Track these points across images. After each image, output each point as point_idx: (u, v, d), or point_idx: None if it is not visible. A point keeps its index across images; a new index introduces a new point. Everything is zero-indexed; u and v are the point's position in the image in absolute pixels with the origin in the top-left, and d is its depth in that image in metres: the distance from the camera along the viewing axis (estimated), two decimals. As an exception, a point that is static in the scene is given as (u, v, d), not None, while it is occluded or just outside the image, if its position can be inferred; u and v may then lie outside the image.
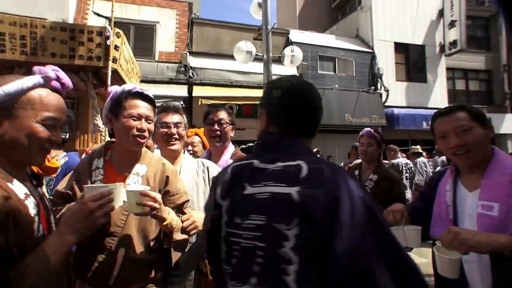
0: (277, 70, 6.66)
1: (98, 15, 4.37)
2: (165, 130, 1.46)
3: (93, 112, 3.43)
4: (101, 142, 3.42)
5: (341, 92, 9.91)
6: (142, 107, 1.17)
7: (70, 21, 7.87)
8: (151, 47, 8.41)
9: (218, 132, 1.75)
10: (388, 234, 0.63)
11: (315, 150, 6.84)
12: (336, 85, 9.91)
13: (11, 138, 0.72)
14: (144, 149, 1.24)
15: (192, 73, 8.23)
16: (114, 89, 1.20)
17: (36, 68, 0.81)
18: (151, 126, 1.20)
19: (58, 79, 0.82)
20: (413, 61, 11.42)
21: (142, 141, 1.16)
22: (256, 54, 5.35)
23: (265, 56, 5.12)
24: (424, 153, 5.49)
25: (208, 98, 7.24)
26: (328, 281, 0.61)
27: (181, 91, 7.62)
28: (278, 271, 0.64)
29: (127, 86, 1.21)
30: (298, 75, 9.05)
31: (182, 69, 8.21)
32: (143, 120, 1.16)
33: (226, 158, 1.76)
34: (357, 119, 9.70)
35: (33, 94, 0.76)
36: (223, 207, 0.77)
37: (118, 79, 3.64)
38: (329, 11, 15.65)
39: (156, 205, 0.98)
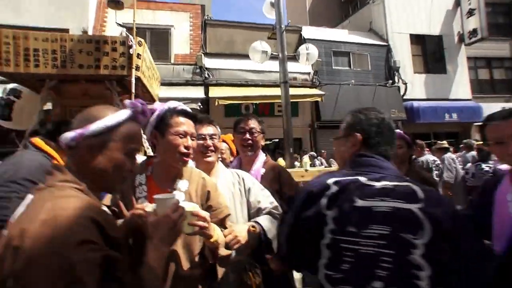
0: (292, 67, 6.65)
1: (121, 25, 4.50)
2: (201, 142, 1.44)
3: (119, 119, 3.56)
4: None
5: (357, 87, 9.74)
6: (187, 125, 1.18)
7: (90, 29, 8.19)
8: (167, 50, 8.59)
9: (250, 141, 1.74)
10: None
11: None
12: (352, 80, 9.75)
13: (101, 168, 0.77)
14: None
15: (208, 74, 8.35)
16: (158, 106, 1.20)
17: (127, 102, 0.86)
18: (195, 143, 1.22)
19: (143, 111, 0.87)
20: (430, 52, 11.09)
21: (188, 158, 1.18)
22: (271, 53, 5.37)
23: (280, 55, 5.13)
24: (451, 148, 5.19)
25: (224, 98, 7.34)
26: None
27: (197, 92, 7.76)
28: (408, 276, 0.73)
29: (171, 104, 1.22)
30: (313, 71, 9.00)
31: (198, 70, 8.35)
32: (188, 137, 1.16)
33: (258, 167, 1.77)
34: (375, 114, 9.57)
35: (124, 128, 0.80)
36: (328, 217, 0.84)
37: (141, 86, 3.76)
38: (339, 5, 15.40)
39: (206, 224, 0.99)
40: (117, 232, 0.72)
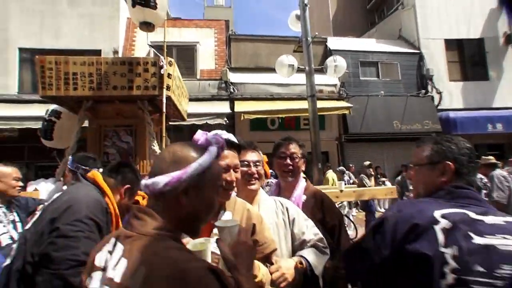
0: (319, 80, 6.52)
1: (151, 46, 4.64)
2: (245, 169, 1.37)
3: (150, 138, 3.61)
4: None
5: (386, 98, 9.37)
6: (231, 157, 1.14)
7: (120, 49, 8.62)
8: (193, 66, 8.82)
9: (291, 167, 1.66)
10: None
11: (367, 163, 6.47)
12: (382, 92, 9.39)
13: (196, 211, 0.73)
14: None
15: (233, 89, 8.43)
16: (198, 137, 1.15)
17: (211, 137, 0.81)
18: (238, 174, 1.18)
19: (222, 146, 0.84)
20: (469, 58, 10.31)
21: (231, 193, 1.14)
22: (298, 67, 5.30)
23: (307, 68, 5.05)
24: (499, 164, 4.53)
25: (250, 113, 7.34)
26: None
27: (223, 107, 7.84)
28: None
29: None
30: (340, 83, 8.80)
31: (223, 85, 8.46)
32: (231, 171, 1.13)
33: (299, 194, 1.67)
34: (407, 126, 9.06)
35: (215, 165, 0.77)
36: (447, 254, 0.79)
37: (171, 105, 3.81)
38: (364, 13, 15.11)
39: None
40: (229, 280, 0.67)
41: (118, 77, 3.30)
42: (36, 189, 3.34)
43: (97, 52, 8.41)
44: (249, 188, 1.41)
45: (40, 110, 4.03)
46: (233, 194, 1.49)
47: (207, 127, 7.83)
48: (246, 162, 1.40)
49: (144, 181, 0.71)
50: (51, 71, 3.25)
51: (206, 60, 8.92)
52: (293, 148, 1.69)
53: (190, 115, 5.34)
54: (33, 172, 9.41)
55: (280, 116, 7.91)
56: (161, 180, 0.68)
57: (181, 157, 0.73)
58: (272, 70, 7.65)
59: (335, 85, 8.86)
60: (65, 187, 2.17)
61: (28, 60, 8.56)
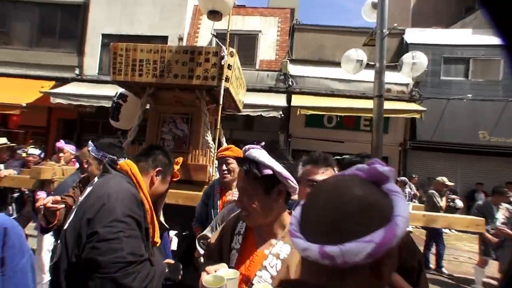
0: (388, 77, 5.82)
1: (214, 35, 4.60)
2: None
3: (204, 128, 3.59)
4: (209, 158, 3.56)
5: (473, 103, 7.86)
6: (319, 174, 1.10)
7: (185, 36, 8.92)
8: (253, 56, 8.72)
9: None
10: None
11: (444, 180, 5.55)
12: (469, 95, 7.90)
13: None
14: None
15: (292, 82, 8.12)
16: (366, 170, 0.90)
17: (389, 171, 0.53)
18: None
19: None
20: None
21: None
22: (367, 63, 4.76)
23: (377, 64, 4.49)
24: None
25: (307, 108, 6.98)
26: None
27: (280, 100, 7.61)
28: None
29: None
30: (413, 83, 7.80)
31: (282, 77, 8.20)
32: None
33: None
34: (498, 138, 7.54)
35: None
36: None
37: (228, 96, 3.73)
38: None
39: None
40: None
41: (180, 65, 3.32)
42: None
43: (164, 39, 8.85)
44: None
45: (113, 91, 4.31)
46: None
47: (260, 119, 7.70)
48: (315, 183, 1.18)
49: (322, 250, 0.44)
50: (122, 57, 3.40)
51: (266, 50, 8.73)
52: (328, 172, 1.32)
53: (245, 106, 5.24)
54: (105, 145, 10.52)
55: (339, 114, 7.36)
56: (362, 248, 0.42)
57: (375, 207, 0.47)
58: (335, 64, 7.11)
59: (406, 85, 7.84)
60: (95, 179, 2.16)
61: (107, 44, 9.45)
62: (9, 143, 3.66)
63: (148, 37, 8.87)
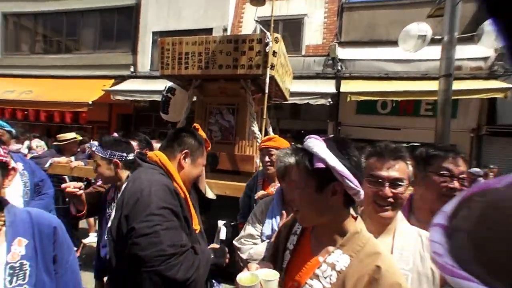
0: (461, 52, 5.02)
1: (258, 22, 4.46)
2: (374, 188, 1.00)
3: (250, 118, 3.51)
4: (256, 148, 3.49)
5: None
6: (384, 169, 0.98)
7: (229, 27, 8.90)
8: (298, 41, 8.34)
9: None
10: None
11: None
12: None
13: None
14: (357, 226, 0.85)
15: (341, 66, 7.60)
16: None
17: None
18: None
19: None
20: None
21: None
22: (432, 37, 4.14)
23: (446, 38, 3.88)
24: None
25: (358, 94, 6.47)
26: None
27: (328, 86, 7.18)
28: None
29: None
30: (495, 55, 6.64)
31: (330, 62, 7.72)
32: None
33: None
34: None
35: None
36: None
37: (274, 84, 3.59)
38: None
39: None
40: None
41: (224, 56, 3.26)
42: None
43: (209, 31, 8.96)
44: (380, 215, 1.00)
45: (163, 85, 4.48)
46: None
47: (307, 107, 7.39)
48: (379, 179, 0.99)
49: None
50: (169, 51, 3.47)
51: (313, 34, 8.28)
52: (463, 165, 1.15)
53: (292, 94, 5.03)
54: (157, 136, 11.26)
55: (395, 98, 6.67)
56: None
57: None
58: (390, 43, 6.41)
59: (485, 59, 6.63)
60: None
61: (156, 41, 9.93)
62: (77, 137, 4.03)
63: (194, 30, 9.07)
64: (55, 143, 4.06)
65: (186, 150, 1.32)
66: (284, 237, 0.99)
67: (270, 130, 4.30)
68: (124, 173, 1.69)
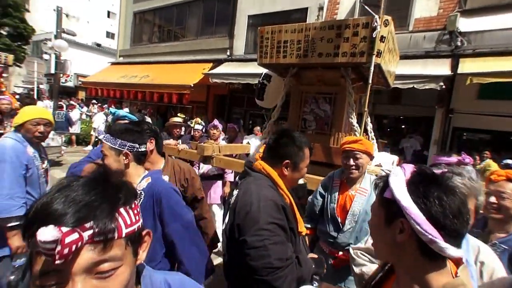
0: None
1: (367, 4, 4.06)
2: None
3: (348, 109, 3.33)
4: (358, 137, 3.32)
5: None
6: None
7: (325, 5, 8.36)
8: (405, 15, 7.25)
9: None
10: None
11: None
12: None
13: None
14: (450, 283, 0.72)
15: (461, 41, 6.30)
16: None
17: None
18: None
19: None
20: None
21: None
22: None
23: None
24: None
25: (483, 75, 5.30)
26: None
27: (440, 67, 6.09)
28: None
29: None
30: None
31: (446, 36, 6.48)
32: None
33: None
34: None
35: None
36: None
37: (378, 72, 3.27)
38: None
39: None
40: None
41: (325, 43, 3.11)
42: (248, 143, 4.05)
43: (304, 11, 8.65)
44: None
45: (256, 68, 4.62)
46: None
47: (410, 91, 6.47)
48: None
49: None
50: (268, 40, 3.52)
51: (425, 4, 7.04)
52: None
53: (398, 78, 4.49)
54: (248, 117, 11.91)
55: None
56: None
57: None
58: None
59: None
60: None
61: (251, 25, 10.21)
62: (181, 121, 4.57)
63: (288, 12, 8.93)
64: (166, 125, 4.76)
65: (286, 161, 1.35)
66: (373, 275, 0.92)
67: (369, 120, 4.00)
68: (135, 168, 1.45)
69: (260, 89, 4.54)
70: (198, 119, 6.69)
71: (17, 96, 9.50)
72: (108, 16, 34.13)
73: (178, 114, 8.19)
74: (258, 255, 1.11)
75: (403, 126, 8.79)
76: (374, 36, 2.80)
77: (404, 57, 6.52)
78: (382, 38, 2.86)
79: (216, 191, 3.95)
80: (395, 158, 3.31)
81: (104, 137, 1.44)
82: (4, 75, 10.83)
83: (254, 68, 8.49)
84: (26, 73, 22.30)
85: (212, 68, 10.40)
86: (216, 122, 4.49)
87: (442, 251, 0.65)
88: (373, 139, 3.97)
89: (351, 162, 2.05)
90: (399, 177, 0.73)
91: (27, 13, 21.63)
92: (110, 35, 33.54)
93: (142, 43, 14.54)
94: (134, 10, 14.56)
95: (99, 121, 10.35)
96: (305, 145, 1.39)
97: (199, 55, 11.57)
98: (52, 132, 7.81)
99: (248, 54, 10.21)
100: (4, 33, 19.64)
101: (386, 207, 0.74)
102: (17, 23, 20.00)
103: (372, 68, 2.88)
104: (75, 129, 10.41)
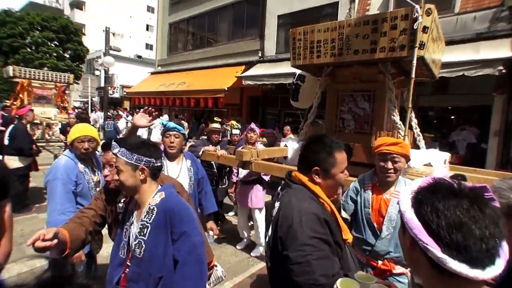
0: None
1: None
2: None
3: (390, 106, 3.17)
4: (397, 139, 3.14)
5: None
6: None
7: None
8: (450, -4, 6.65)
9: None
10: None
11: None
12: None
13: None
14: None
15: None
16: None
17: None
18: None
19: None
20: None
21: None
22: None
23: None
24: None
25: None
26: None
27: (496, 50, 5.44)
28: None
29: None
30: None
31: (505, 13, 5.75)
32: None
33: None
34: None
35: None
36: None
37: (421, 65, 3.06)
38: None
39: None
40: None
41: (360, 40, 2.99)
42: (285, 145, 4.03)
43: (335, 5, 8.37)
44: None
45: (289, 68, 4.58)
46: None
47: (459, 79, 5.90)
48: None
49: None
50: (300, 41, 3.48)
51: (473, -19, 6.38)
52: None
53: (445, 66, 4.15)
54: (283, 117, 11.85)
55: None
56: None
57: None
58: None
59: None
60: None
61: (281, 24, 10.13)
62: (220, 127, 4.69)
63: (318, 8, 8.71)
64: (205, 131, 4.92)
65: (315, 168, 1.29)
66: None
67: (413, 116, 3.75)
68: (150, 184, 1.43)
69: (294, 90, 4.50)
70: (234, 123, 6.83)
71: (75, 111, 10.58)
72: (147, 29, 36.41)
73: (215, 118, 8.45)
74: (302, 271, 1.08)
75: (452, 117, 8.07)
76: (415, 27, 2.62)
77: (450, 42, 5.99)
78: (425, 29, 2.67)
79: (257, 195, 3.99)
80: (447, 156, 3.05)
81: (119, 151, 1.38)
82: (66, 92, 12.15)
83: (286, 68, 8.43)
84: (82, 88, 24.84)
85: (244, 71, 10.53)
86: (253, 125, 4.55)
87: (441, 263, 0.62)
88: (419, 135, 3.71)
89: (389, 165, 1.94)
90: (410, 187, 0.75)
91: (83, 36, 24.27)
92: (149, 46, 35.75)
93: (177, 51, 15.24)
94: (170, 22, 15.32)
95: (142, 128, 11.06)
96: (337, 150, 1.31)
97: (232, 59, 11.79)
98: (104, 142, 8.60)
99: (280, 54, 10.16)
100: (67, 55, 22.32)
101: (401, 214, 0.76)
102: (76, 46, 22.75)
103: (414, 62, 2.70)
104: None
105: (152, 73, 16.49)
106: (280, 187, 1.43)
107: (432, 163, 2.89)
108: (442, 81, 6.59)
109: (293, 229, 1.14)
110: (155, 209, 1.36)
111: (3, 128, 5.41)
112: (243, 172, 3.98)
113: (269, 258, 1.31)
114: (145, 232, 1.35)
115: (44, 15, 22.02)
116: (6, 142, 4.51)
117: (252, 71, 10.09)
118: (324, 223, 1.17)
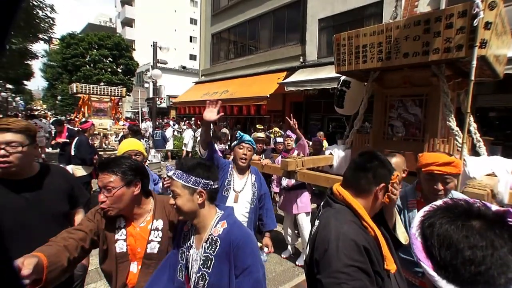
0: None
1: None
2: None
3: (445, 111, 2.94)
4: (454, 147, 2.90)
5: None
6: None
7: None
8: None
9: None
10: None
11: None
12: None
13: None
14: None
15: None
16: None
17: None
18: None
19: None
20: None
21: None
22: None
23: None
24: None
25: None
26: None
27: None
28: None
29: None
30: None
31: None
32: None
33: None
34: None
35: None
36: None
37: (482, 64, 2.80)
38: None
39: None
40: None
41: (410, 41, 2.83)
42: (331, 153, 3.94)
43: (379, 4, 8.00)
44: None
45: (331, 72, 4.48)
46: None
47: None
48: None
49: None
50: (344, 47, 3.40)
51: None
52: None
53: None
54: (326, 123, 11.58)
55: None
56: None
57: None
58: None
59: None
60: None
61: (323, 28, 9.97)
62: (264, 136, 4.77)
63: (361, 8, 8.39)
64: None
65: (383, 184, 1.21)
66: None
67: (473, 125, 3.43)
68: (209, 209, 1.35)
69: (339, 97, 4.39)
70: (277, 129, 6.86)
71: (127, 122, 11.61)
72: (190, 41, 38.60)
73: (257, 126, 8.58)
74: None
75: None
76: (475, 24, 2.41)
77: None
78: (487, 25, 2.44)
79: (302, 200, 3.96)
80: (514, 164, 2.73)
81: (174, 173, 1.30)
82: (119, 104, 13.44)
83: (328, 72, 8.25)
84: (133, 100, 27.20)
85: (286, 77, 10.55)
86: (289, 132, 4.56)
87: (432, 280, 0.63)
88: (479, 141, 3.38)
89: (440, 187, 1.75)
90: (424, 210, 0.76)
91: (133, 51, 26.70)
92: (192, 57, 37.83)
93: (220, 61, 15.86)
94: (212, 32, 16.04)
95: (188, 137, 11.68)
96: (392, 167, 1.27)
97: (273, 65, 11.90)
98: (153, 150, 9.26)
99: (322, 58, 10.00)
100: (120, 70, 24.79)
101: None
102: (127, 61, 25.11)
103: (474, 63, 2.47)
104: (169, 145, 11.97)
105: (196, 83, 17.35)
106: (322, 203, 1.37)
107: (496, 173, 2.60)
108: (504, 78, 5.87)
109: (329, 254, 1.08)
110: (219, 240, 1.28)
111: (68, 140, 6.16)
112: (286, 180, 3.99)
113: (306, 275, 1.29)
114: (209, 265, 1.27)
115: (100, 35, 24.64)
116: (72, 153, 5.12)
117: (294, 77, 10.07)
118: (364, 251, 1.09)
